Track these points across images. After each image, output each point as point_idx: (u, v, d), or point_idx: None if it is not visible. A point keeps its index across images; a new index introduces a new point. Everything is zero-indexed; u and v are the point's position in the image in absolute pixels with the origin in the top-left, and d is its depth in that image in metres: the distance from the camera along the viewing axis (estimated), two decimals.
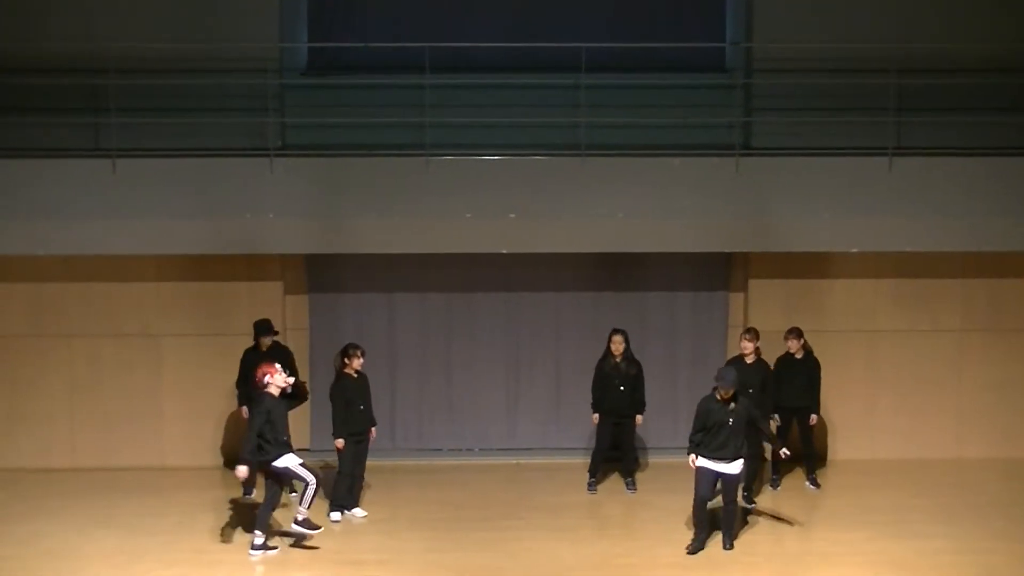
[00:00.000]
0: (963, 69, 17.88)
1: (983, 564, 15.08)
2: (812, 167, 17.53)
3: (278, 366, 15.65)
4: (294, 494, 17.18)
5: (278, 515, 15.98)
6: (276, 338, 17.42)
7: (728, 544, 15.52)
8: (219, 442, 18.51)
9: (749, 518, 16.58)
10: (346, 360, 16.53)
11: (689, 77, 18.35)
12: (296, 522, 15.48)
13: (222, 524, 16.35)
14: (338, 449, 16.49)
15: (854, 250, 17.83)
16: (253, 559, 15.29)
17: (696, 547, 15.42)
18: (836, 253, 18.23)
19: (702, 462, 15.44)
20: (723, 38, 18.66)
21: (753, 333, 17.19)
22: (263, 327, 17.29)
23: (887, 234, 17.53)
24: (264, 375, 15.47)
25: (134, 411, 18.39)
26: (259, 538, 15.44)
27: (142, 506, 16.93)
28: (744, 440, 15.54)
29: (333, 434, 16.44)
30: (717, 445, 15.34)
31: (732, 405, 15.37)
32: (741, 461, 15.49)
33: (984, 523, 16.30)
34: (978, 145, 17.75)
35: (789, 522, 16.21)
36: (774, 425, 17.32)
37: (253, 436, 15.26)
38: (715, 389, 15.45)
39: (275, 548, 15.49)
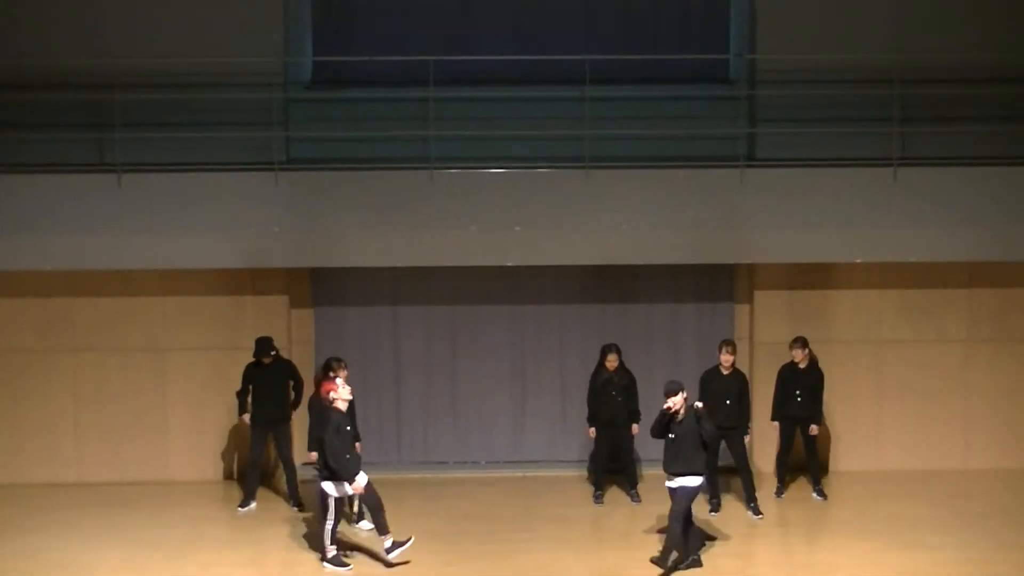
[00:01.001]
0: (967, 79, 17.87)
1: (990, 574, 15.06)
2: (817, 178, 17.53)
3: (339, 381, 15.55)
4: (296, 508, 17.21)
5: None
6: (275, 353, 17.40)
7: (664, 562, 15.32)
8: (224, 456, 18.49)
9: (750, 529, 16.61)
10: (330, 374, 16.47)
11: (693, 89, 18.35)
12: (324, 559, 15.45)
13: (228, 538, 16.35)
14: (312, 461, 16.36)
15: (859, 260, 17.83)
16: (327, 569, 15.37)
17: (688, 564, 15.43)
18: (841, 264, 18.24)
19: (666, 481, 15.43)
20: (727, 50, 18.66)
21: (732, 345, 17.22)
22: (264, 346, 17.25)
23: (892, 244, 17.52)
24: (328, 392, 15.41)
25: (140, 425, 18.39)
26: (330, 551, 15.43)
27: (148, 520, 16.93)
28: (699, 457, 15.31)
29: (308, 447, 16.39)
30: (668, 459, 15.34)
31: (678, 419, 15.30)
32: (694, 478, 15.22)
33: (991, 533, 16.27)
34: (983, 155, 17.76)
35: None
36: (749, 438, 17.30)
37: (337, 443, 15.21)
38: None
39: (349, 566, 15.47)
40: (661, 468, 15.45)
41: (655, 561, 15.36)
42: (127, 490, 18.07)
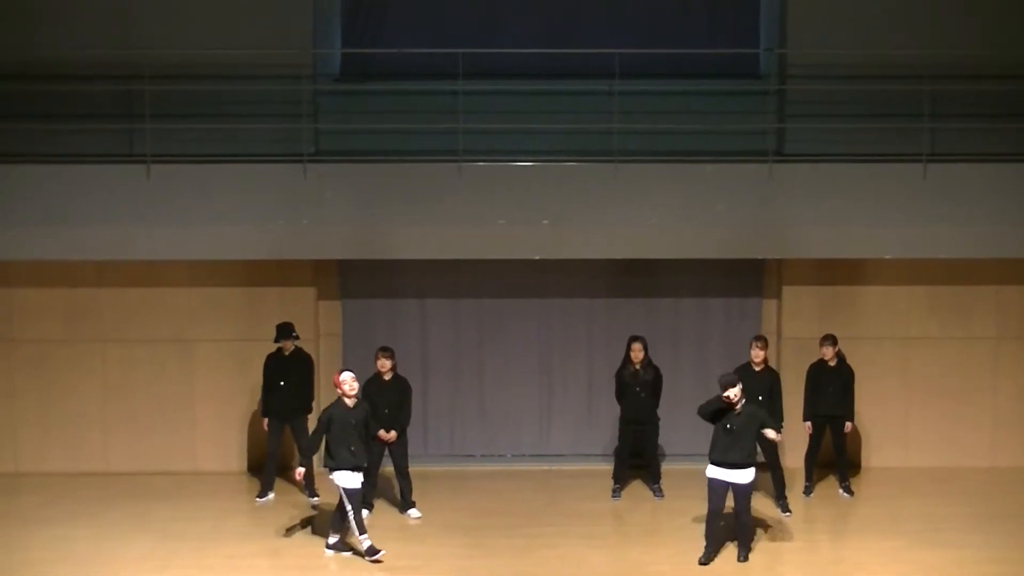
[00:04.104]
0: (998, 75, 17.80)
1: (1017, 574, 14.99)
2: (846, 173, 17.49)
3: (346, 375, 15.42)
4: (315, 499, 17.24)
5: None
6: (298, 343, 17.42)
7: (743, 556, 15.36)
8: (250, 447, 18.52)
9: (776, 526, 16.57)
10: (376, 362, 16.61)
11: (723, 83, 18.33)
12: (328, 545, 15.51)
13: (251, 529, 16.39)
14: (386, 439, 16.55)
15: (888, 257, 17.77)
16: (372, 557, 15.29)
17: (708, 558, 15.36)
18: (870, 260, 18.17)
19: (713, 472, 15.36)
20: (757, 44, 18.61)
21: (764, 341, 17.14)
22: (285, 331, 17.25)
23: (921, 241, 17.46)
24: (337, 384, 15.41)
25: (166, 416, 18.45)
26: (366, 542, 15.32)
27: (174, 511, 16.97)
28: (754, 447, 15.43)
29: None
30: (722, 448, 15.27)
31: (737, 410, 15.27)
32: (753, 470, 15.32)
33: (1019, 532, 16.19)
34: (1013, 151, 17.68)
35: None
36: (780, 435, 17.21)
37: (312, 439, 15.30)
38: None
39: (380, 551, 15.40)
40: (691, 462, 15.47)
41: (742, 559, 15.38)
42: (153, 480, 18.13)
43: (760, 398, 16.80)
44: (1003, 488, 17.87)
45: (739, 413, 15.23)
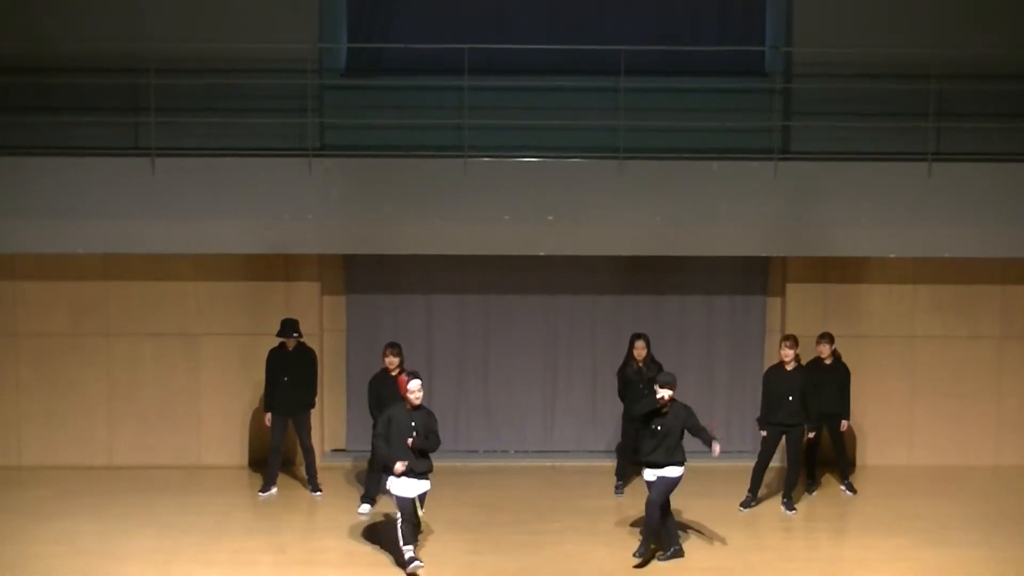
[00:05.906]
0: (1004, 74, 17.81)
1: (1021, 573, 15.02)
2: (851, 172, 17.49)
3: (413, 384, 15.09)
4: (317, 494, 17.31)
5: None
6: (301, 339, 17.40)
7: (639, 552, 15.33)
8: (255, 442, 18.52)
9: (780, 523, 16.63)
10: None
11: (728, 81, 18.32)
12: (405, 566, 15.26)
13: (256, 524, 16.41)
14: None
15: (892, 255, 17.78)
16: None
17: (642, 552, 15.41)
18: (874, 258, 18.18)
19: (646, 474, 15.38)
20: (763, 42, 18.60)
21: (793, 340, 17.02)
22: (289, 327, 17.24)
23: (926, 240, 17.47)
24: (404, 387, 15.11)
25: (172, 410, 18.45)
26: (408, 552, 15.01)
27: (179, 505, 16.98)
28: (680, 447, 15.29)
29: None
30: (648, 450, 15.30)
31: (665, 410, 15.26)
32: (675, 468, 15.19)
33: (1021, 532, 16.21)
34: (1018, 151, 17.69)
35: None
36: (812, 434, 17.22)
37: (379, 444, 15.07)
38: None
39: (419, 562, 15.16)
40: (694, 459, 15.48)
41: (637, 554, 15.35)
42: (158, 475, 18.14)
43: (791, 398, 16.74)
44: (1007, 487, 17.91)
45: (666, 414, 15.25)
